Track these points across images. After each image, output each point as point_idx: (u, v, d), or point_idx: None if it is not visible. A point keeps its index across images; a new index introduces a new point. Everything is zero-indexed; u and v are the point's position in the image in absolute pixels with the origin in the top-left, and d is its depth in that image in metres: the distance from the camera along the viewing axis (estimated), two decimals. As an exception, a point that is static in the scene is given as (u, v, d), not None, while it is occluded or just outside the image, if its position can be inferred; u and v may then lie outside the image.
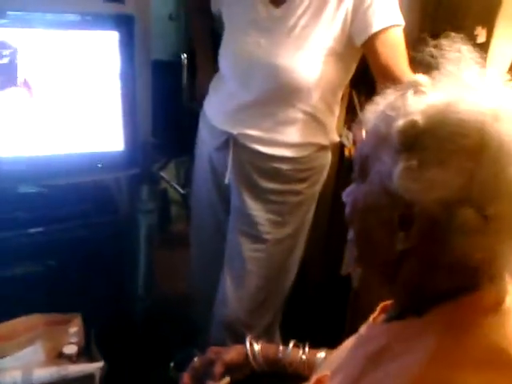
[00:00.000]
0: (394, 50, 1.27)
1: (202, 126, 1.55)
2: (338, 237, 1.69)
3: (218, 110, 1.47)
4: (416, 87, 0.67)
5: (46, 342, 1.57)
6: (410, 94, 0.66)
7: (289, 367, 1.02)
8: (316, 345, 1.05)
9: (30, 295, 1.56)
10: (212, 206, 1.59)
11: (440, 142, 0.60)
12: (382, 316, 0.79)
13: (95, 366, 1.55)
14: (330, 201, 1.56)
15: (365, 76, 1.42)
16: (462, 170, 0.58)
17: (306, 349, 1.04)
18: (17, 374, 1.48)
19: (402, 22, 1.28)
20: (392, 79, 1.18)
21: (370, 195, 0.68)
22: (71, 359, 1.58)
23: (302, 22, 1.31)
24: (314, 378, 0.82)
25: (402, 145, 0.63)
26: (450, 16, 1.48)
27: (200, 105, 1.58)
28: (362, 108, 1.61)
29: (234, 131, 1.41)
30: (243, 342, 1.02)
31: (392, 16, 1.27)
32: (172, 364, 1.10)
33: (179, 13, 2.79)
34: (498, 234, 0.59)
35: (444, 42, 0.67)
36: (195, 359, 1.04)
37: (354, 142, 1.58)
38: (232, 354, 1.03)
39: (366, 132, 0.72)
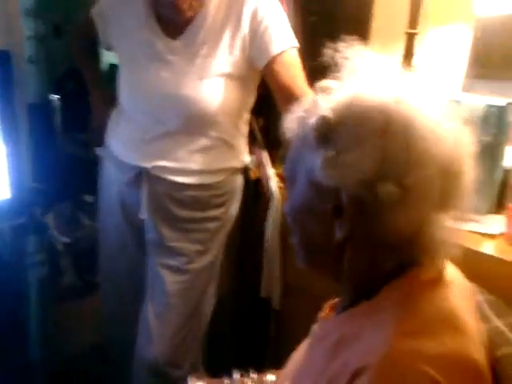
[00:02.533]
0: (293, 71, 1.33)
1: (107, 163, 1.49)
2: (251, 259, 1.71)
3: (126, 145, 1.42)
4: (324, 91, 0.72)
5: None
6: (319, 96, 0.72)
7: None
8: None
9: None
10: (124, 245, 1.52)
11: (351, 129, 0.66)
12: (332, 313, 0.83)
13: None
14: (240, 224, 1.57)
15: (260, 100, 1.48)
16: (374, 149, 0.64)
17: (254, 375, 1.03)
18: None
19: (297, 44, 1.35)
20: (293, 98, 1.23)
21: (301, 195, 0.73)
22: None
23: (202, 51, 1.33)
24: None
25: (318, 140, 0.68)
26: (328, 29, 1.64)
27: (98, 141, 1.51)
28: (260, 131, 1.66)
29: (147, 164, 1.37)
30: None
31: (287, 38, 1.33)
32: None
33: (39, 56, 2.66)
34: (420, 202, 0.65)
35: (341, 45, 0.73)
36: None
37: (258, 165, 1.62)
38: None
39: (289, 141, 0.76)
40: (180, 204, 1.39)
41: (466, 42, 1.57)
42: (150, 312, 1.43)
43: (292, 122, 0.75)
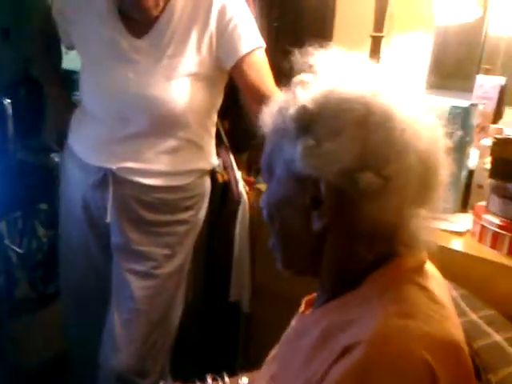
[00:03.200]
0: (261, 71, 1.32)
1: (69, 165, 1.44)
2: (219, 263, 1.68)
3: (91, 147, 1.37)
4: (302, 84, 0.72)
5: None
6: (297, 89, 0.72)
7: None
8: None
9: None
10: (87, 250, 1.46)
11: (330, 118, 0.66)
12: (310, 309, 0.82)
13: None
14: (207, 228, 1.54)
15: (225, 102, 1.46)
16: (354, 139, 0.65)
17: (226, 379, 1.01)
18: None
19: (264, 44, 1.35)
20: (263, 98, 1.23)
21: (280, 188, 0.73)
22: None
23: (169, 51, 1.30)
24: None
25: (298, 129, 0.69)
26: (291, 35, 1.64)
27: (55, 146, 1.46)
28: (226, 133, 1.64)
29: (113, 166, 1.33)
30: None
31: (254, 39, 1.33)
32: None
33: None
34: (399, 193, 0.66)
35: (307, 48, 0.74)
36: None
37: (225, 167, 1.60)
38: None
39: (267, 134, 0.76)
40: (147, 207, 1.36)
41: (427, 49, 1.62)
42: (116, 320, 1.38)
43: (268, 116, 0.75)
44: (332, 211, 0.67)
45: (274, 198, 0.75)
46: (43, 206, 2.12)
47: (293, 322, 0.85)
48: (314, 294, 0.82)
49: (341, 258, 0.70)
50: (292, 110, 0.69)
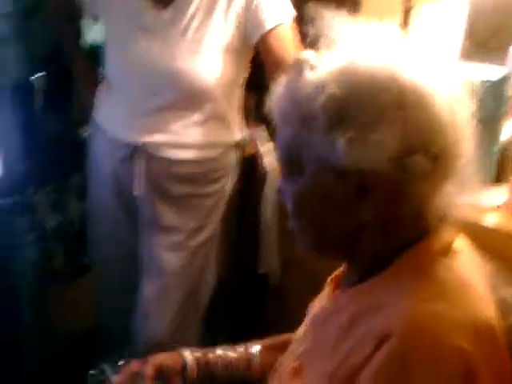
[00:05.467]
0: (287, 46, 1.30)
1: (99, 139, 1.45)
2: (247, 235, 1.70)
3: (118, 121, 1.38)
4: (308, 64, 0.67)
5: None
6: (308, 73, 0.66)
7: (224, 371, 0.97)
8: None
9: None
10: (116, 223, 1.49)
11: (364, 104, 0.62)
12: (340, 286, 0.80)
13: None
14: (236, 200, 1.56)
15: (253, 75, 1.45)
16: (395, 122, 0.61)
17: (240, 348, 1.01)
18: None
19: (293, 14, 1.31)
20: None
21: (313, 182, 0.67)
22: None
23: (194, 23, 1.29)
24: (284, 370, 0.80)
25: (330, 121, 0.63)
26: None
27: (84, 120, 1.48)
28: (254, 106, 1.63)
29: (140, 140, 1.35)
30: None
31: (283, 11, 1.31)
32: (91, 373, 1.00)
33: (15, 35, 2.57)
34: (445, 171, 0.64)
35: (326, 12, 0.68)
36: (115, 376, 0.96)
37: (252, 141, 1.61)
38: (163, 356, 0.97)
39: (279, 125, 0.70)
40: (175, 180, 1.37)
41: (461, 18, 1.57)
42: (147, 292, 1.42)
43: (282, 105, 0.68)
44: (380, 200, 0.64)
45: (306, 193, 0.69)
46: (75, 179, 2.16)
47: (321, 302, 0.84)
48: (341, 271, 0.81)
49: (378, 243, 0.68)
50: (318, 101, 0.62)
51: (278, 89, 0.69)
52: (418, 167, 0.61)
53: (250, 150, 1.61)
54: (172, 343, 1.41)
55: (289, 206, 0.72)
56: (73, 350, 1.73)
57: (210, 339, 1.57)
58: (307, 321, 0.86)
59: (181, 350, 0.97)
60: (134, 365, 0.95)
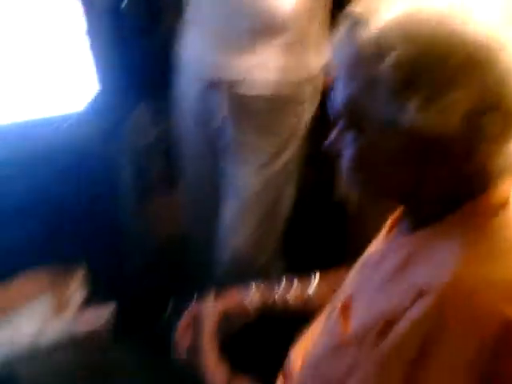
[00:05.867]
0: None
1: (181, 68, 1.51)
2: (324, 162, 1.71)
3: (199, 54, 1.43)
4: (370, 20, 0.63)
5: (53, 293, 1.58)
6: (372, 29, 0.62)
7: (283, 308, 1.04)
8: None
9: (33, 250, 1.55)
10: (200, 147, 1.57)
11: (434, 64, 0.59)
12: (395, 231, 0.81)
13: (104, 311, 1.57)
14: (318, 128, 1.56)
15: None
16: (467, 81, 0.58)
17: (301, 283, 1.06)
18: (30, 329, 1.48)
19: None
20: None
21: (382, 143, 0.66)
22: (80, 307, 1.59)
23: None
24: (336, 305, 0.83)
25: (399, 83, 0.60)
26: None
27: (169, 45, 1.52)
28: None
29: (220, 73, 1.39)
30: (246, 281, 1.03)
31: None
32: (168, 310, 1.11)
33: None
34: None
35: None
36: (190, 308, 1.05)
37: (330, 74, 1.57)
38: (229, 300, 1.05)
39: (342, 79, 0.67)
40: (255, 110, 1.41)
41: None
42: (228, 211, 1.52)
43: (345, 58, 0.66)
44: (447, 158, 0.63)
45: (368, 150, 0.67)
46: (167, 97, 2.24)
47: (378, 242, 0.86)
48: (399, 214, 0.81)
49: (438, 195, 0.68)
50: (388, 62, 0.60)
51: (340, 42, 0.66)
52: (488, 126, 0.60)
53: (327, 83, 1.58)
54: (251, 260, 1.55)
55: (345, 159, 0.71)
56: (165, 256, 1.90)
57: (287, 264, 1.68)
58: (362, 258, 0.88)
59: (244, 290, 1.05)
60: (199, 307, 1.04)
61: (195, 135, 1.56)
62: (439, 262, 0.63)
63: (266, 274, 1.55)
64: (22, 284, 1.56)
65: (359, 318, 0.71)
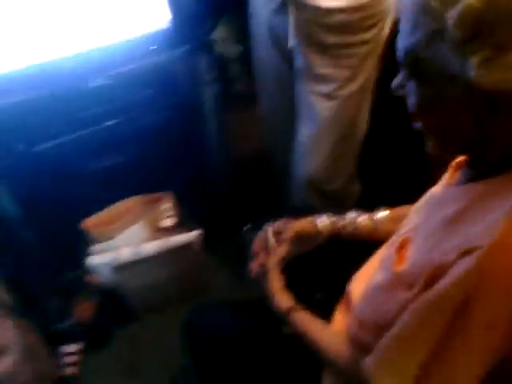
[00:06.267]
0: None
1: None
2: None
3: None
4: None
5: (145, 219, 1.72)
6: None
7: (352, 235, 1.07)
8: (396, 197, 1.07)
9: (125, 182, 1.69)
10: (276, 70, 1.57)
11: (501, 17, 0.56)
12: (456, 176, 0.81)
13: (193, 234, 1.71)
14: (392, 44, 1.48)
15: None
16: None
17: (369, 214, 1.09)
18: (127, 251, 1.65)
19: None
20: None
21: (444, 95, 0.65)
22: (170, 231, 1.74)
23: None
24: (396, 240, 0.85)
25: (464, 36, 0.59)
26: None
27: None
28: None
29: None
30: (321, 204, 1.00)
31: None
32: (244, 229, 1.18)
33: None
34: None
35: None
36: (267, 228, 1.11)
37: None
38: (302, 223, 1.10)
39: (407, 26, 0.65)
40: (328, 29, 1.36)
41: None
42: (303, 134, 1.53)
43: (415, 8, 0.64)
44: (509, 114, 0.62)
45: (430, 100, 0.68)
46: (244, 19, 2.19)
47: (442, 183, 0.86)
48: (463, 158, 0.80)
49: (499, 149, 0.67)
50: (454, 11, 0.58)
51: None
52: None
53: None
54: (327, 178, 1.58)
55: (410, 104, 0.72)
56: (243, 173, 1.98)
57: (363, 189, 1.68)
58: (425, 198, 0.89)
59: (316, 217, 1.09)
60: (272, 229, 1.09)
61: (271, 55, 1.55)
62: (487, 221, 0.63)
63: (341, 199, 1.60)
64: (121, 211, 1.72)
65: (412, 260, 0.74)
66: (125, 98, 1.70)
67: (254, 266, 1.07)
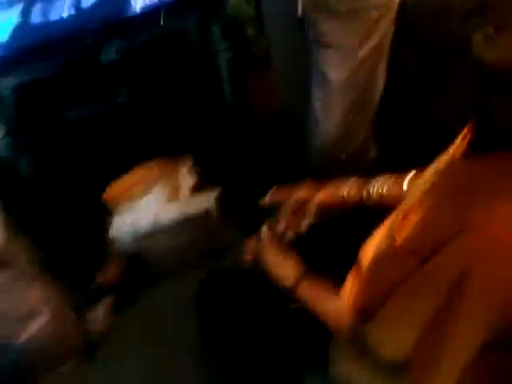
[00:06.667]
0: None
1: None
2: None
3: None
4: None
5: (166, 181, 1.76)
6: None
7: (377, 200, 1.06)
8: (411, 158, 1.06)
9: (145, 145, 1.74)
10: (287, 35, 1.57)
11: None
12: (462, 147, 0.80)
13: (211, 199, 1.74)
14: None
15: None
16: None
17: (396, 178, 1.07)
18: (147, 219, 1.69)
19: None
20: None
21: (445, 66, 0.66)
22: (191, 192, 1.76)
23: None
24: (402, 207, 0.86)
25: (469, 12, 0.59)
26: None
27: None
28: None
29: None
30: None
31: None
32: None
33: None
34: None
35: None
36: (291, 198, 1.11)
37: None
38: (326, 193, 1.10)
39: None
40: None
41: None
42: (315, 101, 1.52)
43: None
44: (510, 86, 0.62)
45: (431, 71, 0.69)
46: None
47: (454, 147, 0.85)
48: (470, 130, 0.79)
49: (503, 124, 0.67)
50: None
51: None
52: None
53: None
54: (342, 143, 1.57)
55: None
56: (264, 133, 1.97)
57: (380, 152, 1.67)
58: (432, 167, 0.89)
59: (342, 182, 1.10)
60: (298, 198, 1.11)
61: (284, 20, 1.54)
62: (486, 199, 0.64)
63: (358, 161, 1.59)
64: (141, 175, 1.76)
65: (414, 230, 0.74)
66: (142, 66, 1.71)
67: (246, 257, 1.09)
